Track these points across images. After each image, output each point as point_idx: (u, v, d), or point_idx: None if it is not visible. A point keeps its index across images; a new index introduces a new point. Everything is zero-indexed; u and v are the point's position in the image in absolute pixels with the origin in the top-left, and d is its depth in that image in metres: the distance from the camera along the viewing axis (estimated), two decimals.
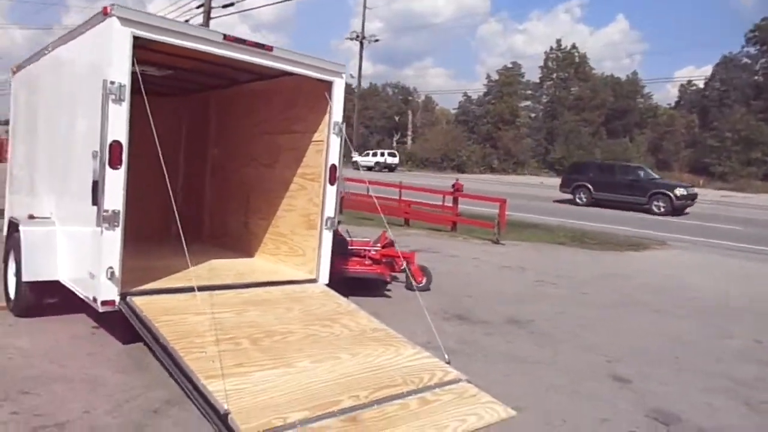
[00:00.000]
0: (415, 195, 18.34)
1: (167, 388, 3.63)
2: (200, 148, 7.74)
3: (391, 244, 8.49)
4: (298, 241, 5.91)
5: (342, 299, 5.10)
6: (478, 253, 12.05)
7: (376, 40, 63.52)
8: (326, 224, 5.51)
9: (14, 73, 7.10)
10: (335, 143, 5.49)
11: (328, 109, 5.43)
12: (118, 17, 4.07)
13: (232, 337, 3.89)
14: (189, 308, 4.25)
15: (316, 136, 5.68)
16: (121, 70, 4.11)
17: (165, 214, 8.20)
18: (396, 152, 59.72)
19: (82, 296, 4.47)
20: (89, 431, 3.08)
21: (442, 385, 3.79)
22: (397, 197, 17.36)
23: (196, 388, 3.21)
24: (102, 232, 4.13)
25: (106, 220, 4.12)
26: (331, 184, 5.52)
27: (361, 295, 7.05)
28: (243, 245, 6.78)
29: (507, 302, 7.59)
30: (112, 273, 4.17)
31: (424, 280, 7.90)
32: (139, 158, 8.10)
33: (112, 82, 4.06)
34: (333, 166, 5.51)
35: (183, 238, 4.11)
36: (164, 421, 3.30)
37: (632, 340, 6.15)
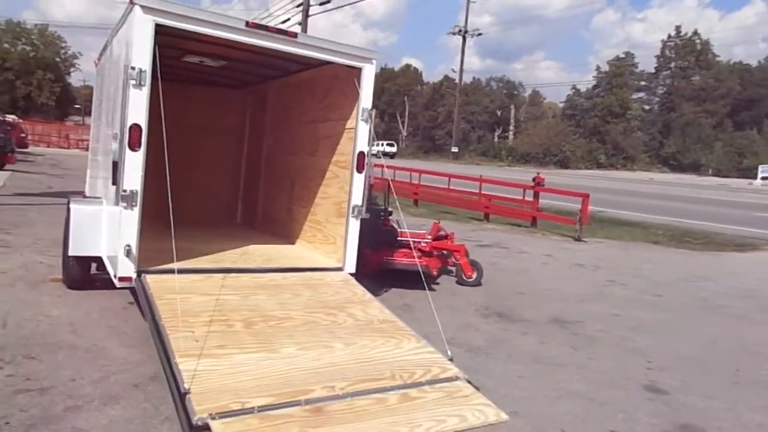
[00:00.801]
0: (497, 189, 17.74)
1: (157, 365, 3.75)
2: (259, 137, 7.98)
3: (444, 236, 8.24)
4: (330, 229, 5.87)
5: (359, 289, 4.97)
6: (552, 249, 11.38)
7: (479, 34, 62.50)
8: (353, 212, 5.42)
9: (96, 64, 7.76)
10: (363, 130, 5.37)
11: (356, 94, 5.32)
12: (140, 6, 4.24)
13: (226, 319, 3.91)
14: (197, 289, 4.35)
15: (348, 124, 5.60)
16: (142, 56, 4.27)
17: (233, 200, 8.59)
18: (394, 143, 64.15)
19: (109, 272, 4.74)
20: (66, 398, 3.24)
21: (434, 382, 3.56)
22: (478, 191, 16.83)
23: (170, 365, 3.25)
24: (120, 211, 4.34)
25: (124, 199, 4.32)
26: (359, 171, 5.41)
27: (405, 287, 6.90)
28: (287, 232, 6.87)
29: (560, 301, 7.06)
30: (129, 250, 4.37)
31: (475, 275, 7.56)
32: (203, 147, 8.61)
33: (133, 68, 4.24)
34: (361, 154, 5.39)
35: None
36: (138, 395, 3.39)
37: (688, 347, 5.46)
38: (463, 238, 11.96)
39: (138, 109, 4.30)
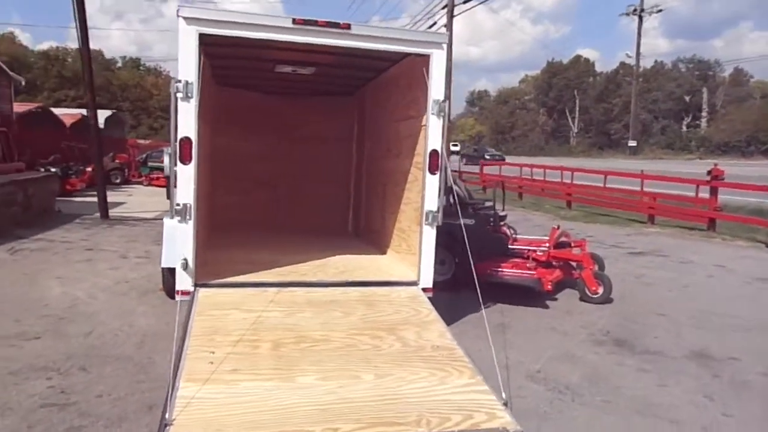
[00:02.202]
0: (667, 187, 15.38)
1: None
2: (362, 143, 7.74)
3: (568, 243, 7.15)
4: (413, 238, 5.32)
5: (425, 307, 4.36)
6: (728, 259, 9.34)
7: (659, 11, 55.82)
8: (427, 219, 4.81)
9: None
10: (435, 125, 4.74)
11: (427, 86, 4.73)
12: (183, 17, 4.19)
13: (255, 339, 3.62)
14: (243, 304, 4.15)
15: (424, 120, 5.02)
16: (188, 67, 4.21)
17: (344, 209, 8.50)
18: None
19: None
20: (77, 416, 3.20)
21: None
22: (639, 189, 14.72)
23: (170, 389, 3.04)
24: (175, 224, 4.33)
25: (177, 213, 4.29)
26: (432, 172, 4.79)
27: (512, 302, 6.08)
28: (380, 241, 6.47)
29: (715, 328, 5.58)
30: (186, 264, 4.33)
31: (601, 290, 6.38)
32: (317, 157, 8.63)
33: (179, 81, 4.20)
34: (434, 153, 4.77)
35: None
36: (145, 419, 3.24)
37: None
38: (611, 245, 10.46)
39: (187, 121, 4.24)
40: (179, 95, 4.20)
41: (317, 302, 4.32)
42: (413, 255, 5.21)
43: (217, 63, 6.44)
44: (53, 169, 17.03)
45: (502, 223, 7.08)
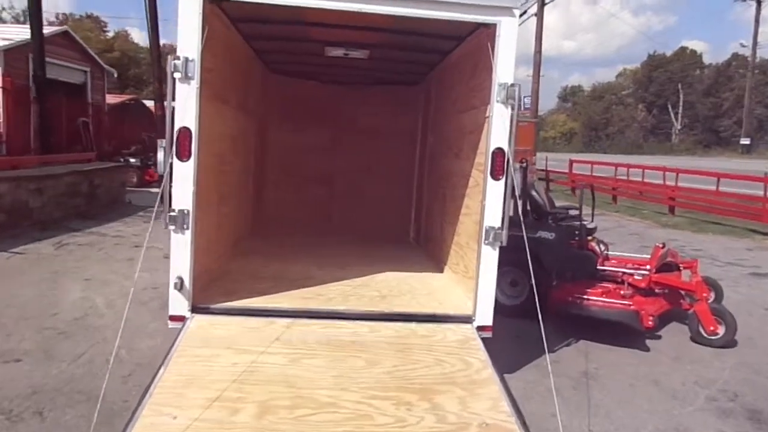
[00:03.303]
0: None
1: None
2: (424, 138, 6.68)
3: (676, 265, 5.73)
4: (470, 257, 4.22)
5: (478, 359, 3.26)
6: None
7: None
8: (486, 237, 3.68)
9: None
10: (501, 117, 3.60)
11: (491, 65, 3.61)
12: None
13: (239, 398, 2.71)
14: (240, 341, 3.26)
15: (488, 110, 3.90)
16: (188, 40, 3.37)
17: (406, 214, 7.50)
18: None
19: None
20: None
21: None
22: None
23: None
24: (171, 235, 3.53)
25: (172, 220, 3.48)
26: (495, 177, 3.66)
27: (601, 340, 4.85)
28: (438, 254, 5.41)
29: None
30: (181, 283, 3.52)
31: (721, 330, 4.95)
32: (377, 153, 7.68)
33: (177, 57, 3.37)
34: (498, 152, 3.64)
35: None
36: None
37: None
38: (727, 262, 8.71)
39: (186, 108, 3.42)
40: (177, 75, 3.38)
41: (336, 343, 3.36)
42: (470, 279, 4.13)
43: (258, 46, 5.66)
44: (132, 160, 17.31)
45: (590, 237, 5.77)
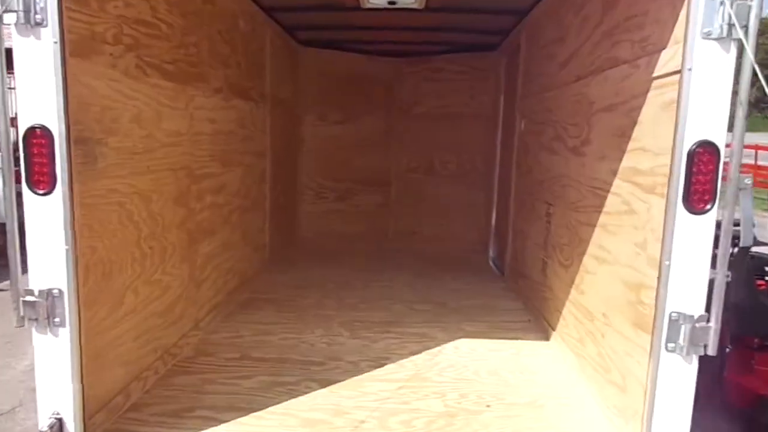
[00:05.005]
0: None
1: None
2: (512, 121, 4.62)
3: None
4: (613, 343, 2.26)
5: None
6: None
7: None
8: (672, 339, 1.71)
9: None
10: (714, 71, 1.61)
11: None
12: None
13: None
14: None
15: (663, 64, 1.89)
16: None
17: (485, 226, 5.54)
18: None
19: None
20: None
21: None
22: None
23: None
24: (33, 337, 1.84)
25: (29, 309, 1.79)
26: (693, 207, 1.67)
27: None
28: (539, 305, 3.45)
29: None
30: (59, 426, 1.82)
31: None
32: (444, 142, 5.78)
33: None
34: (703, 151, 1.65)
35: None
36: None
37: None
38: None
39: (38, 83, 1.71)
40: (12, 19, 1.66)
41: None
42: (617, 386, 2.18)
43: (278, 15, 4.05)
44: None
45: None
